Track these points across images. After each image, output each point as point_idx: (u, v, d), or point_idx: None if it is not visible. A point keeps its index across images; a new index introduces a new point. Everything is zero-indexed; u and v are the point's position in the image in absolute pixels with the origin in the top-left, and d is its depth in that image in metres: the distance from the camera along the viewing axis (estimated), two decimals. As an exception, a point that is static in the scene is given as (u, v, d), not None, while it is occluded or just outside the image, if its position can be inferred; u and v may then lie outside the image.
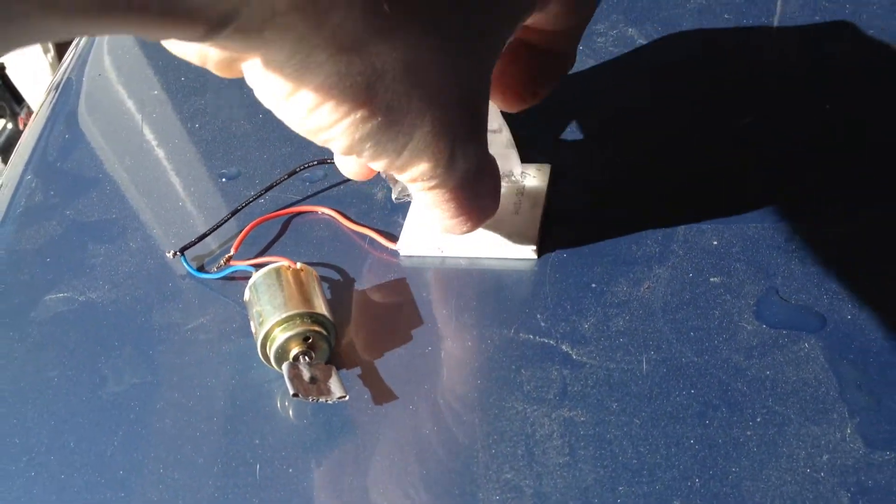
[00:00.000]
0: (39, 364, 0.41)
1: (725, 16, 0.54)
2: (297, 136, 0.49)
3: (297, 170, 0.47)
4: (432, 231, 0.43)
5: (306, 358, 0.37)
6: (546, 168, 0.45)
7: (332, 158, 0.44)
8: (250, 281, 0.39)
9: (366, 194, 0.47)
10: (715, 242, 0.41)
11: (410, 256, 0.44)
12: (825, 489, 0.32)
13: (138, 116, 0.53)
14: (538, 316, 0.39)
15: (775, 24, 0.53)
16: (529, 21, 0.34)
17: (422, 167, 0.32)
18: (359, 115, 0.28)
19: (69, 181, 0.50)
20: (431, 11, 0.29)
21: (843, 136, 0.46)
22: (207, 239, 0.44)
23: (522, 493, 0.34)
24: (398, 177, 0.33)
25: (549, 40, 0.38)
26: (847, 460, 0.33)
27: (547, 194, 0.44)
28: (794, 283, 0.39)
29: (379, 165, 0.32)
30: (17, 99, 1.80)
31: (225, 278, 0.43)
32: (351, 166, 0.39)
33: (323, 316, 0.38)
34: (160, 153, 0.50)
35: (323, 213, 0.46)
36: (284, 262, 0.40)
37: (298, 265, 0.40)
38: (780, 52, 0.52)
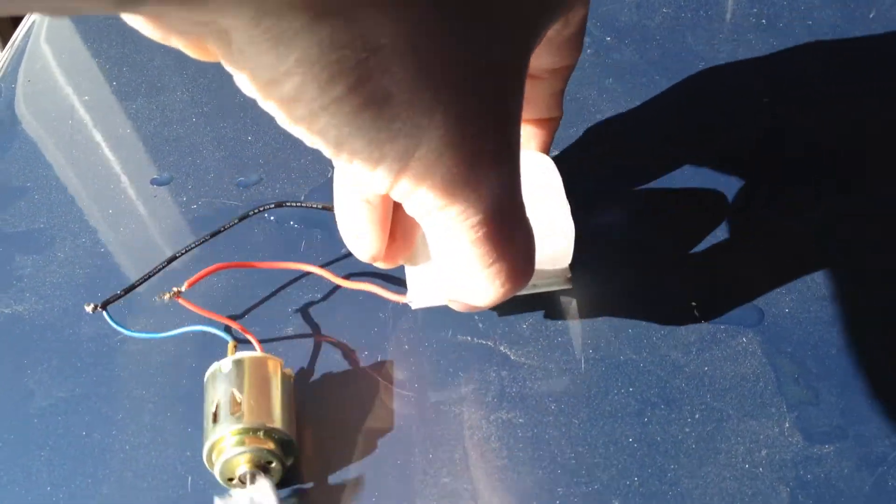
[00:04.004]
0: (-37, 379, 0.39)
1: (664, 10, 0.54)
2: (231, 140, 0.49)
3: (250, 214, 0.42)
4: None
5: (253, 478, 0.33)
6: (549, 163, 0.38)
7: (291, 202, 0.42)
8: (217, 365, 0.35)
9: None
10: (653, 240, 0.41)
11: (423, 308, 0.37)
12: (764, 485, 0.32)
13: (68, 123, 0.52)
14: (476, 317, 0.39)
15: (715, 17, 0.53)
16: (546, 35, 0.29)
17: (436, 185, 0.24)
18: (346, 103, 0.22)
19: (-4, 190, 0.48)
20: None
21: (780, 138, 0.46)
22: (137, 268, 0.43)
23: (460, 497, 0.33)
24: (407, 203, 0.25)
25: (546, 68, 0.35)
26: (786, 455, 0.33)
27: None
28: (731, 278, 0.39)
29: (380, 182, 0.24)
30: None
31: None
32: (364, 244, 0.33)
33: (282, 433, 0.33)
34: (90, 160, 0.49)
35: (309, 272, 0.40)
36: (257, 354, 0.35)
37: (271, 364, 0.35)
38: (717, 45, 0.52)
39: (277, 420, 0.33)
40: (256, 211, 0.41)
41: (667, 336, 0.37)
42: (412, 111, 0.22)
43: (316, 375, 0.38)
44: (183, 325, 0.38)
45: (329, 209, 0.39)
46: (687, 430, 0.34)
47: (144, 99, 0.52)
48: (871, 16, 0.52)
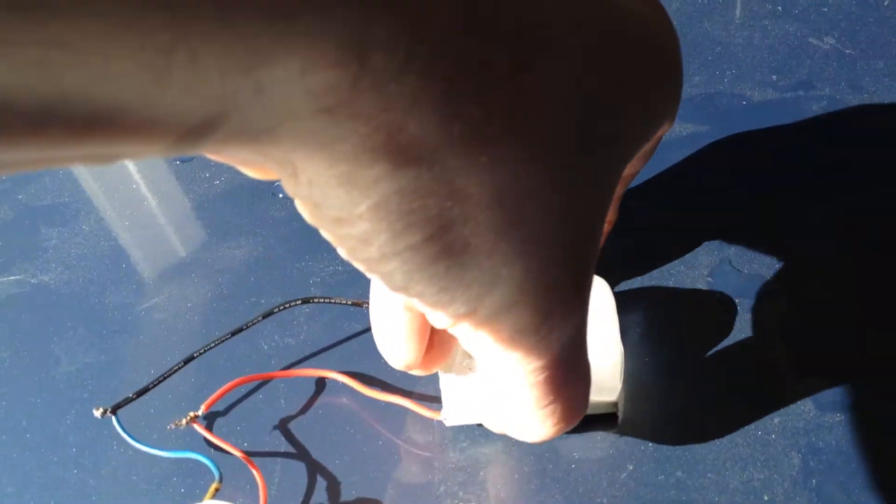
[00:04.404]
0: (-9, 346, 0.40)
1: (674, 5, 0.54)
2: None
3: (275, 311, 0.39)
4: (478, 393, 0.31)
5: None
6: (604, 286, 0.36)
7: (319, 298, 0.39)
8: None
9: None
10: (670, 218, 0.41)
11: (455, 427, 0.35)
12: (776, 451, 0.33)
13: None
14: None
15: (731, 4, 0.53)
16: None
17: (501, 331, 0.22)
18: (421, 252, 0.20)
19: (22, 166, 0.49)
20: (543, 123, 0.20)
21: (796, 126, 0.46)
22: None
23: (477, 461, 0.34)
24: (464, 341, 0.23)
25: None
26: (798, 423, 0.34)
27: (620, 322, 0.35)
28: (746, 254, 0.39)
29: (439, 321, 0.22)
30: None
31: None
32: (400, 352, 0.30)
33: None
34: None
35: (333, 377, 0.37)
36: None
37: None
38: (733, 31, 0.52)
39: None
40: (281, 308, 0.39)
41: (682, 309, 0.38)
42: (492, 261, 0.20)
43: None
44: (190, 448, 0.35)
45: (359, 305, 0.39)
46: (700, 397, 0.35)
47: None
48: (885, 3, 0.52)
